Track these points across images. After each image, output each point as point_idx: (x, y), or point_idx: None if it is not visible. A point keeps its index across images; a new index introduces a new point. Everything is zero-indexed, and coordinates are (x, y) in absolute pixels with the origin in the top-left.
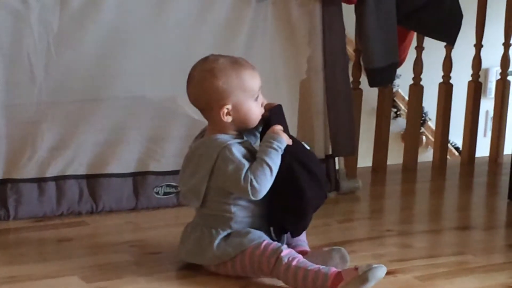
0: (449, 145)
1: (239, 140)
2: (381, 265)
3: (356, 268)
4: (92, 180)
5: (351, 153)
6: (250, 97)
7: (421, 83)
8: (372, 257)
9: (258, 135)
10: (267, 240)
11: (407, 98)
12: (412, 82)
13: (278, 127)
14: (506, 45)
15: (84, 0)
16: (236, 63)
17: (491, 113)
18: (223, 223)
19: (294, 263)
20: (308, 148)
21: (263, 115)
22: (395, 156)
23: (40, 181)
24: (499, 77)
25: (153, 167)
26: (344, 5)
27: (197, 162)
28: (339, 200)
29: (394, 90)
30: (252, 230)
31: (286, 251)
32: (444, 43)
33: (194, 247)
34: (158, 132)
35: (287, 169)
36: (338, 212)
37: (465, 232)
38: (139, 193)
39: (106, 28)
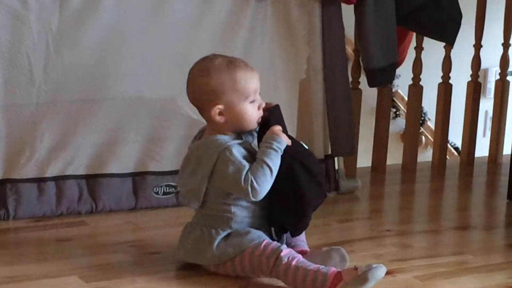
0: (448, 145)
1: (239, 141)
2: (381, 265)
3: (355, 268)
4: (92, 180)
5: (351, 153)
6: (243, 98)
7: (421, 83)
8: (371, 257)
9: (256, 134)
10: (266, 240)
11: (406, 98)
12: (411, 82)
13: (278, 128)
14: (505, 45)
15: (83, 1)
16: (232, 63)
17: (491, 113)
18: (223, 223)
19: (293, 263)
20: (306, 148)
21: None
22: (394, 156)
23: (39, 181)
24: (498, 77)
25: (153, 167)
26: (343, 5)
27: (197, 162)
28: (338, 200)
29: (393, 90)
30: (252, 230)
31: (285, 251)
32: (444, 43)
33: (194, 247)
34: (157, 132)
35: (287, 169)
36: (338, 212)
37: (464, 232)
38: (138, 193)
39: (105, 29)
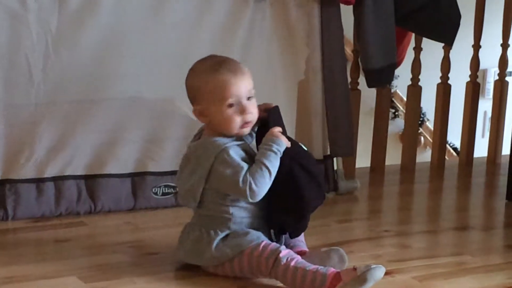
0: (447, 145)
1: (237, 142)
2: (380, 265)
3: (354, 269)
4: (91, 181)
5: (350, 153)
6: (219, 102)
7: (419, 83)
8: (370, 257)
9: (254, 134)
10: (265, 241)
11: (405, 98)
12: (410, 82)
13: (277, 130)
14: (504, 46)
15: (82, 1)
16: (217, 66)
17: (489, 114)
18: (222, 224)
19: (292, 263)
20: (305, 149)
21: (260, 116)
22: (393, 156)
23: (38, 181)
24: (497, 77)
25: (152, 167)
26: (342, 6)
27: (195, 163)
28: (337, 201)
29: (392, 90)
30: (251, 230)
31: (284, 252)
32: (442, 44)
33: (193, 248)
34: (156, 132)
35: (287, 171)
36: (337, 212)
37: (463, 233)
38: (137, 194)
39: (104, 29)
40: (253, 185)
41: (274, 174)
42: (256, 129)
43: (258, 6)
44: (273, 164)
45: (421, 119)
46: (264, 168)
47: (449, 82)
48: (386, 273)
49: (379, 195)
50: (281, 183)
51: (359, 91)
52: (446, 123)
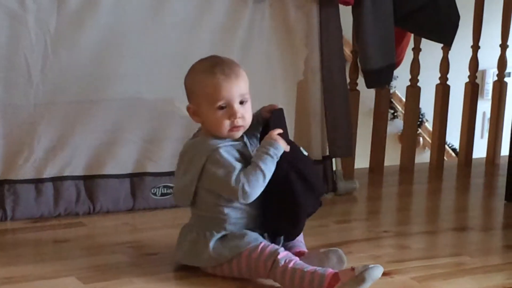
0: (446, 146)
1: (231, 143)
2: (378, 265)
3: (352, 269)
4: (90, 181)
5: (348, 154)
6: (209, 104)
7: (418, 84)
8: (369, 258)
9: (259, 136)
10: (263, 242)
11: (404, 99)
12: (409, 83)
13: (276, 133)
14: (503, 47)
15: (81, 1)
16: (213, 67)
17: (488, 115)
18: (217, 225)
19: (290, 265)
20: (305, 153)
21: (264, 117)
22: (392, 157)
23: (37, 182)
24: (496, 78)
25: (151, 168)
26: (341, 6)
27: (188, 162)
28: (336, 201)
29: (391, 91)
30: (248, 232)
31: (282, 254)
32: (441, 45)
33: (190, 250)
34: (155, 133)
35: (283, 176)
36: (335, 213)
37: (462, 233)
38: (136, 194)
39: (103, 30)
40: (246, 186)
41: (268, 177)
42: (260, 130)
43: (257, 6)
44: (269, 167)
45: (420, 119)
46: (258, 171)
47: (448, 82)
48: (385, 274)
49: (378, 196)
50: (277, 188)
51: (358, 91)
52: (445, 124)
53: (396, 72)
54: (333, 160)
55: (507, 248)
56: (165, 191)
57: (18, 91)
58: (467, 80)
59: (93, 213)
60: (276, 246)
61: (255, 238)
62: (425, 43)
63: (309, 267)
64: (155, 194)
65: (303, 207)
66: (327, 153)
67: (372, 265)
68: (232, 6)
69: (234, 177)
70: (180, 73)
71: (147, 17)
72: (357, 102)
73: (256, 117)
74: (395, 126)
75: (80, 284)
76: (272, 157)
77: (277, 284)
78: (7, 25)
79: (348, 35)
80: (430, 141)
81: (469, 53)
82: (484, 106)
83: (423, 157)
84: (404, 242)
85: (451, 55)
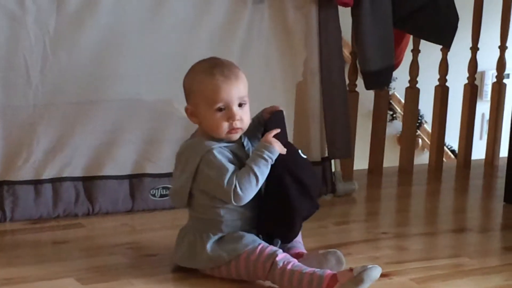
0: (445, 147)
1: (224, 144)
2: (376, 266)
3: (351, 270)
4: (89, 182)
5: (348, 155)
6: (208, 105)
7: (417, 85)
8: (368, 259)
9: (260, 136)
10: (261, 244)
11: (403, 100)
12: (408, 84)
13: (272, 135)
14: (502, 48)
15: (80, 2)
16: (212, 69)
17: (487, 116)
18: (214, 227)
19: (289, 267)
20: (304, 156)
21: (265, 119)
22: (391, 158)
23: (36, 183)
24: (495, 80)
25: (150, 169)
26: (340, 7)
27: (184, 163)
28: (335, 203)
29: (390, 92)
30: (246, 234)
31: (281, 256)
32: (440, 46)
33: (188, 252)
34: (154, 134)
35: (278, 180)
36: (334, 214)
37: (461, 235)
38: (135, 195)
39: (102, 31)
40: (238, 189)
41: (262, 181)
42: (261, 131)
43: (257, 7)
44: (262, 171)
45: (419, 121)
46: (251, 174)
47: (447, 84)
48: (384, 275)
49: (377, 197)
50: (272, 191)
51: (357, 93)
52: (444, 125)
53: (395, 74)
54: (332, 161)
55: (506, 250)
56: (164, 192)
57: (17, 92)
58: (466, 81)
59: (92, 214)
60: (275, 248)
61: (253, 240)
62: (424, 44)
63: (307, 269)
64: (154, 195)
65: (298, 210)
66: (326, 155)
67: (371, 266)
68: (232, 7)
69: (226, 179)
70: (180, 74)
71: (146, 18)
72: (356, 104)
73: (257, 118)
74: (394, 127)
75: (79, 285)
76: (266, 160)
77: (276, 286)
78: (6, 26)
79: (347, 36)
80: (429, 142)
81: (468, 54)
82: (483, 108)
83: (422, 158)
84: (403, 244)
85: (450, 56)
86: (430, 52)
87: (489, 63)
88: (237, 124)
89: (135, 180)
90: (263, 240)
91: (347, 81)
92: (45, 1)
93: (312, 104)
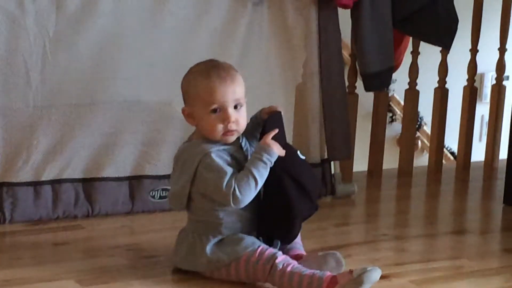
0: (444, 149)
1: (222, 147)
2: (376, 267)
3: (351, 272)
4: (88, 184)
5: (347, 157)
6: (204, 107)
7: (417, 87)
8: (367, 261)
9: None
10: (261, 246)
11: (402, 102)
12: (407, 86)
13: (271, 136)
14: (501, 50)
15: (80, 4)
16: (209, 70)
17: (487, 118)
18: (213, 230)
19: (288, 269)
20: (302, 158)
21: (263, 119)
22: (390, 160)
23: (36, 184)
24: (494, 82)
25: (149, 171)
26: (340, 9)
27: (182, 166)
28: (334, 204)
29: (389, 94)
30: (245, 236)
31: (280, 258)
32: (440, 48)
33: (187, 254)
34: (153, 136)
35: (277, 182)
36: (334, 216)
37: (460, 237)
38: (135, 197)
39: (102, 32)
40: (237, 192)
41: (260, 184)
42: (260, 131)
43: (256, 9)
44: (261, 173)
45: (418, 123)
46: (250, 177)
47: (446, 86)
48: (383, 277)
49: (377, 199)
50: (271, 193)
51: (357, 95)
52: (443, 127)
53: (394, 75)
54: (332, 163)
55: (505, 252)
56: (163, 194)
57: (17, 94)
58: (466, 83)
59: (92, 216)
60: (274, 250)
61: (252, 242)
62: (423, 46)
63: (307, 271)
64: (153, 197)
65: (298, 212)
66: (326, 156)
67: (370, 268)
68: (231, 9)
69: (225, 182)
70: (179, 76)
71: (145, 19)
72: (356, 105)
73: (255, 118)
74: (394, 129)
75: (79, 286)
76: (265, 163)
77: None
78: (6, 27)
79: (347, 38)
80: (428, 144)
81: (468, 56)
82: (482, 110)
83: (422, 160)
84: (402, 245)
85: (450, 58)
86: (429, 54)
87: (488, 65)
88: (232, 126)
89: (134, 181)
90: (263, 241)
91: (346, 83)
92: (45, 3)
93: (311, 105)
